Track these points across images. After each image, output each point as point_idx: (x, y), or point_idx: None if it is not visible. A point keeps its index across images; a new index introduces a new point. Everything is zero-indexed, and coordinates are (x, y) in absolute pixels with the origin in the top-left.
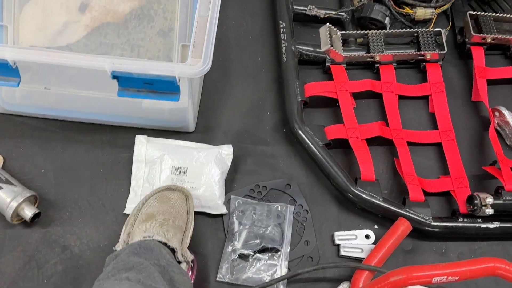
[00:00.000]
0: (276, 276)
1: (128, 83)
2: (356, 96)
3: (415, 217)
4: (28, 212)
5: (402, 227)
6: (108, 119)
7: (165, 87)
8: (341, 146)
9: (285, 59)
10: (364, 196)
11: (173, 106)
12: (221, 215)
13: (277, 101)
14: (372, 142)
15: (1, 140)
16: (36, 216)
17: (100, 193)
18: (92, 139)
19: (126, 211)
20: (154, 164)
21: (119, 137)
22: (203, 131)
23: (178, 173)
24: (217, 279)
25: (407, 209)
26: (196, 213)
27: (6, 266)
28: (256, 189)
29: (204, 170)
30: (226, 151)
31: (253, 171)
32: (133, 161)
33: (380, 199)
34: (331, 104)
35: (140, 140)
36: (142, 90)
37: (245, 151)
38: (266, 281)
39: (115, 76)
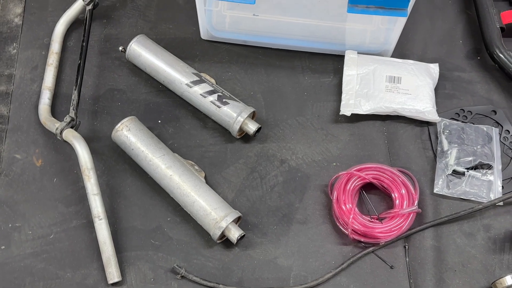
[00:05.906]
0: (492, 192)
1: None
2: None
3: None
4: (252, 126)
5: None
6: (308, 45)
7: (395, 2)
8: None
9: None
10: None
11: (380, 28)
12: (427, 131)
13: (469, 31)
14: None
15: (211, 64)
16: (257, 131)
17: (307, 114)
18: (292, 65)
19: (342, 113)
20: (366, 74)
21: (317, 64)
22: (399, 58)
23: (393, 82)
24: (435, 191)
25: None
26: (406, 124)
27: (231, 175)
28: (461, 113)
29: (418, 80)
30: (433, 68)
31: (452, 95)
32: (344, 74)
33: None
34: None
35: (350, 55)
36: (371, 7)
37: (442, 77)
38: (483, 195)
39: None
